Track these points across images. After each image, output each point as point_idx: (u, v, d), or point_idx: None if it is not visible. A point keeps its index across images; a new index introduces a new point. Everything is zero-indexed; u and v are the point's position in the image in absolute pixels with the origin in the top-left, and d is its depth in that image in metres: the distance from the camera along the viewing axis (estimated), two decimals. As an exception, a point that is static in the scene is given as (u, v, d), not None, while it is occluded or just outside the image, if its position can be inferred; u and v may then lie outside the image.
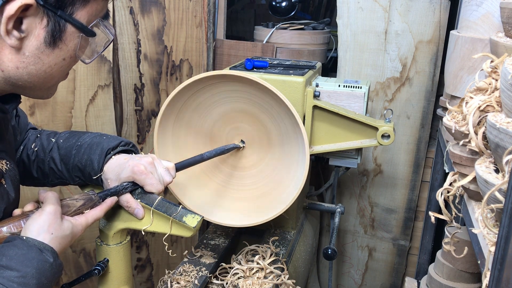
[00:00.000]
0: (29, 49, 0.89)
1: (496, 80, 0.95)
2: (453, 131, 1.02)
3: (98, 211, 1.10)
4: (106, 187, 1.19)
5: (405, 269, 2.37)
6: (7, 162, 1.04)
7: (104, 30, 0.99)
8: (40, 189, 1.07)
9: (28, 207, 1.03)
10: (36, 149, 1.25)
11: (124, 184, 1.16)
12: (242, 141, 1.56)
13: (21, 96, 1.01)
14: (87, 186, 1.26)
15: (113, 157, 1.20)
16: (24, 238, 0.93)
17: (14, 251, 0.90)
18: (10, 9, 0.82)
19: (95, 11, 0.94)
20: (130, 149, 1.26)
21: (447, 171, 1.24)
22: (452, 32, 1.45)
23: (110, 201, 1.13)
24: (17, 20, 0.85)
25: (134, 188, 1.17)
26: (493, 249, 0.70)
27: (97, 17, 0.95)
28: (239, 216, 1.53)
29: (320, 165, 2.33)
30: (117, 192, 1.15)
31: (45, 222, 0.96)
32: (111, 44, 1.95)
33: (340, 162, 1.71)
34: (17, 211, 1.02)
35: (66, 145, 1.24)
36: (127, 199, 1.16)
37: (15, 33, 0.85)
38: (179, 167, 1.30)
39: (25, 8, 0.84)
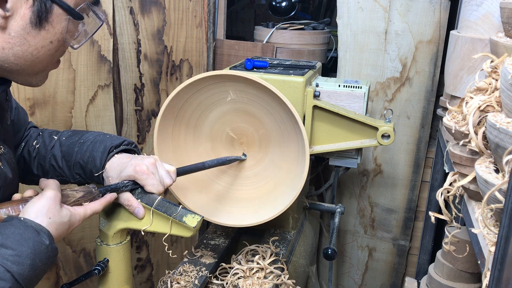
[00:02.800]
0: (14, 29, 0.88)
1: (496, 80, 0.95)
2: (453, 131, 1.02)
3: (97, 205, 1.09)
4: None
5: (405, 269, 2.37)
6: (1, 146, 1.04)
7: (92, 15, 0.98)
8: (42, 178, 1.07)
9: (28, 193, 1.04)
10: (37, 146, 1.25)
11: (125, 182, 1.16)
12: (244, 154, 1.56)
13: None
14: (87, 185, 1.26)
15: (115, 155, 1.20)
16: (22, 218, 0.93)
17: (11, 230, 0.90)
18: None
19: None
20: (132, 149, 1.26)
21: (447, 171, 1.24)
22: (452, 32, 1.45)
23: (109, 196, 1.13)
24: None
25: (135, 187, 1.17)
26: (493, 249, 0.70)
27: (85, 0, 0.94)
28: (239, 216, 1.53)
29: (320, 165, 2.33)
30: (117, 189, 1.15)
31: (44, 206, 0.96)
32: (110, 42, 1.96)
33: (340, 162, 1.71)
34: (16, 196, 1.03)
35: (69, 142, 1.24)
36: (128, 197, 1.16)
37: (0, 11, 0.85)
38: (180, 172, 1.31)
39: None
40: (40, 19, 0.89)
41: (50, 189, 1.00)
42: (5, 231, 0.89)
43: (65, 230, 1.01)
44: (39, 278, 0.93)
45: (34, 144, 1.26)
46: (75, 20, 0.94)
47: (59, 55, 0.99)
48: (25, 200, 0.99)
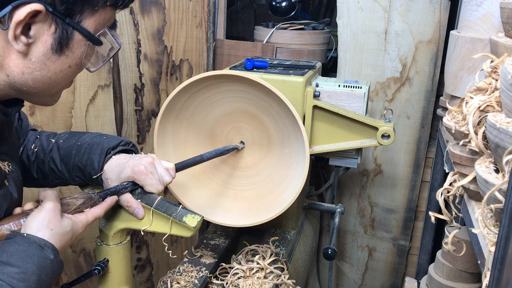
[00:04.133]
0: (35, 55, 0.89)
1: (496, 80, 0.95)
2: (453, 131, 1.02)
3: (98, 210, 1.10)
4: (106, 186, 1.19)
5: (405, 269, 2.37)
6: (9, 164, 1.04)
7: (110, 39, 0.99)
8: (40, 189, 1.07)
9: (28, 206, 1.04)
10: (36, 149, 1.25)
11: (124, 183, 1.16)
12: (242, 142, 1.56)
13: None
14: (87, 186, 1.26)
15: (113, 156, 1.20)
16: (25, 235, 0.93)
17: (15, 248, 0.90)
18: (19, 15, 0.82)
19: (103, 20, 0.94)
20: (130, 149, 1.26)
21: (447, 171, 1.24)
22: (452, 32, 1.45)
23: (110, 200, 1.13)
24: (26, 26, 0.85)
25: (134, 188, 1.17)
26: (493, 249, 0.70)
27: (104, 26, 0.96)
28: (239, 216, 1.53)
29: (320, 165, 2.33)
30: (117, 191, 1.15)
31: (45, 219, 0.96)
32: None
33: (340, 162, 1.71)
34: (17, 210, 1.03)
35: (66, 145, 1.24)
36: (128, 199, 1.16)
37: (23, 38, 0.86)
38: (179, 167, 1.30)
39: (34, 14, 0.84)
40: (61, 45, 0.90)
41: (49, 200, 1.00)
42: (9, 248, 0.90)
43: (69, 239, 1.01)
44: None
45: (32, 148, 1.26)
46: (94, 45, 0.95)
47: (74, 76, 1.01)
48: (25, 214, 0.99)
